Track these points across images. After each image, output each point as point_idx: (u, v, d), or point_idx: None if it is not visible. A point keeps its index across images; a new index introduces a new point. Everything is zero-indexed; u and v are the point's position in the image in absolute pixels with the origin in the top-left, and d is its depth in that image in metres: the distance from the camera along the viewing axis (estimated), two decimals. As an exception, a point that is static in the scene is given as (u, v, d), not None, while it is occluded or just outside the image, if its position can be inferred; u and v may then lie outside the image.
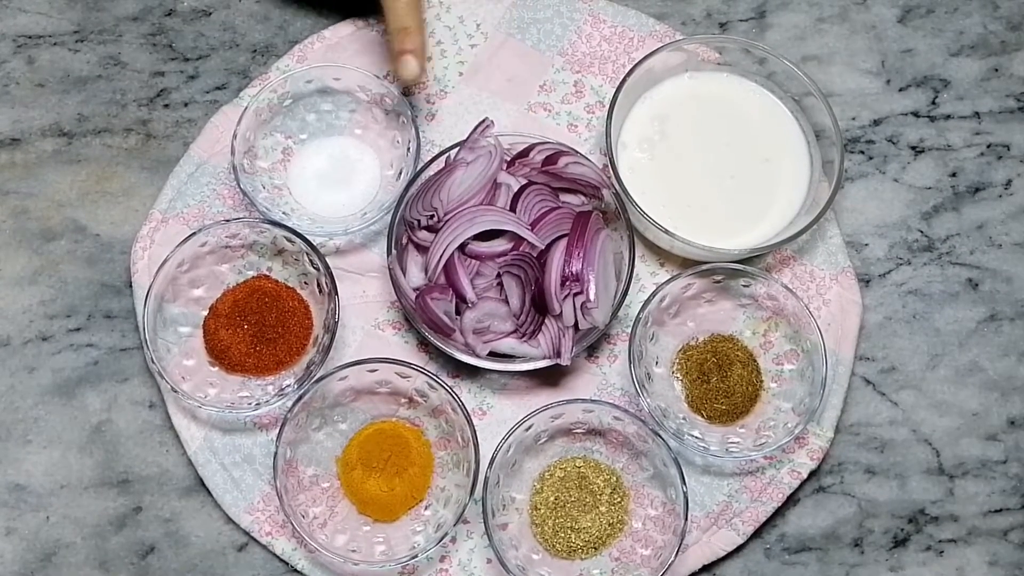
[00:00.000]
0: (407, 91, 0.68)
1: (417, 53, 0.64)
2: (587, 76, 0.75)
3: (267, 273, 0.71)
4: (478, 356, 0.66)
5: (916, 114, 0.76)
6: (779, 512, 0.69)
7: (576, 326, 0.65)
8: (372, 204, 0.71)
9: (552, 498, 0.67)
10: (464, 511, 0.64)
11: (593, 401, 0.67)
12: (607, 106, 0.70)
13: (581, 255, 0.64)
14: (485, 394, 0.70)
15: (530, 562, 0.66)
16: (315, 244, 0.68)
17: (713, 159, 0.71)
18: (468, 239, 0.65)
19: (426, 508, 0.67)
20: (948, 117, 0.76)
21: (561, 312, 0.64)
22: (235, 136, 0.69)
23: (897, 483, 0.71)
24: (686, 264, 0.71)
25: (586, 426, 0.68)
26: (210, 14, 0.76)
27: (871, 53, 0.77)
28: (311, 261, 0.68)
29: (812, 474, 0.69)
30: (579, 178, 0.67)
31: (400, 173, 0.71)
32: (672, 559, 0.63)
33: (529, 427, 0.66)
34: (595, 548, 0.67)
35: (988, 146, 0.76)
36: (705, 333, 0.71)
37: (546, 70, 0.75)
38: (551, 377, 0.70)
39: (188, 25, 0.76)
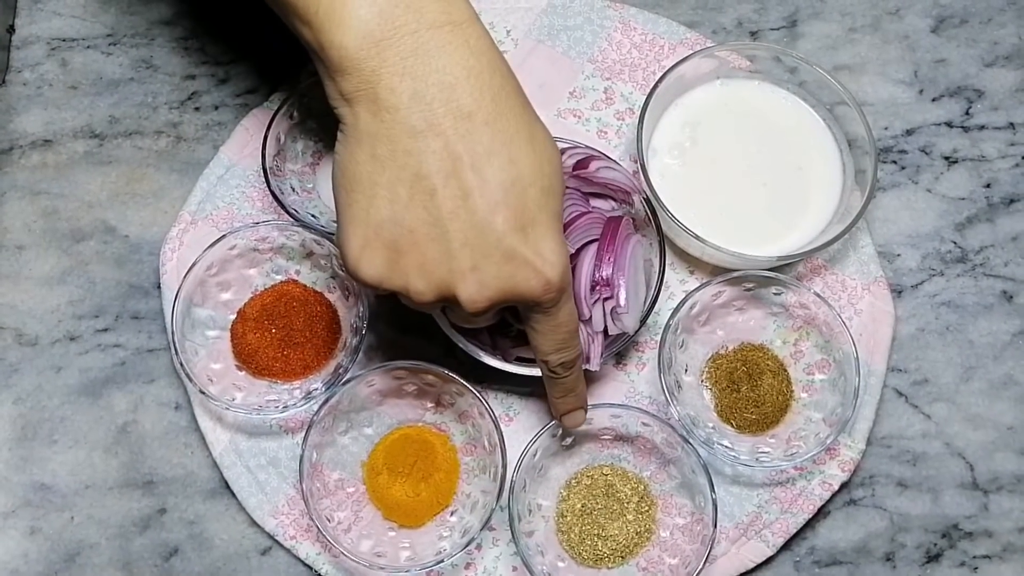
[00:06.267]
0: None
1: (582, 402, 0.63)
2: (617, 83, 0.75)
3: (295, 276, 0.71)
4: (506, 360, 0.65)
5: (950, 124, 0.76)
6: (809, 525, 0.68)
7: (605, 331, 0.65)
8: (401, 208, 0.71)
9: (579, 505, 0.67)
10: (491, 517, 0.63)
11: (621, 406, 0.66)
12: (637, 112, 0.70)
13: (612, 260, 0.64)
14: (512, 399, 0.70)
15: (556, 569, 0.65)
16: (344, 247, 0.68)
17: (745, 166, 0.71)
18: (498, 243, 0.65)
19: (452, 514, 0.67)
20: (982, 128, 0.76)
21: (591, 317, 0.64)
22: (265, 139, 0.69)
23: (930, 497, 0.70)
24: (716, 272, 0.71)
25: (614, 432, 0.68)
26: (241, 18, 0.77)
27: (904, 63, 0.77)
28: (339, 264, 0.68)
29: (843, 487, 0.68)
30: (610, 183, 0.67)
31: (429, 177, 0.71)
32: (700, 569, 0.63)
33: (556, 432, 0.65)
34: (622, 556, 0.66)
35: (1023, 157, 0.75)
36: (735, 342, 0.70)
37: (576, 76, 0.75)
38: (579, 384, 0.69)
39: (219, 30, 0.77)
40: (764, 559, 0.67)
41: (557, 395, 0.62)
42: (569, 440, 0.67)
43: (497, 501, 0.63)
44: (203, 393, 0.66)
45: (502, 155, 0.51)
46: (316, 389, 0.66)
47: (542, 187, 0.52)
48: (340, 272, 0.69)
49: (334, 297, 0.70)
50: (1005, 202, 0.74)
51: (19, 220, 0.73)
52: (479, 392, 0.65)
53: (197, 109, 0.75)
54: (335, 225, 0.70)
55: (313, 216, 0.70)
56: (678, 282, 0.72)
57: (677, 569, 0.65)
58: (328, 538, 0.64)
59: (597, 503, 0.67)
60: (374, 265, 0.52)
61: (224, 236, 0.68)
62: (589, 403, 0.65)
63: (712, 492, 0.63)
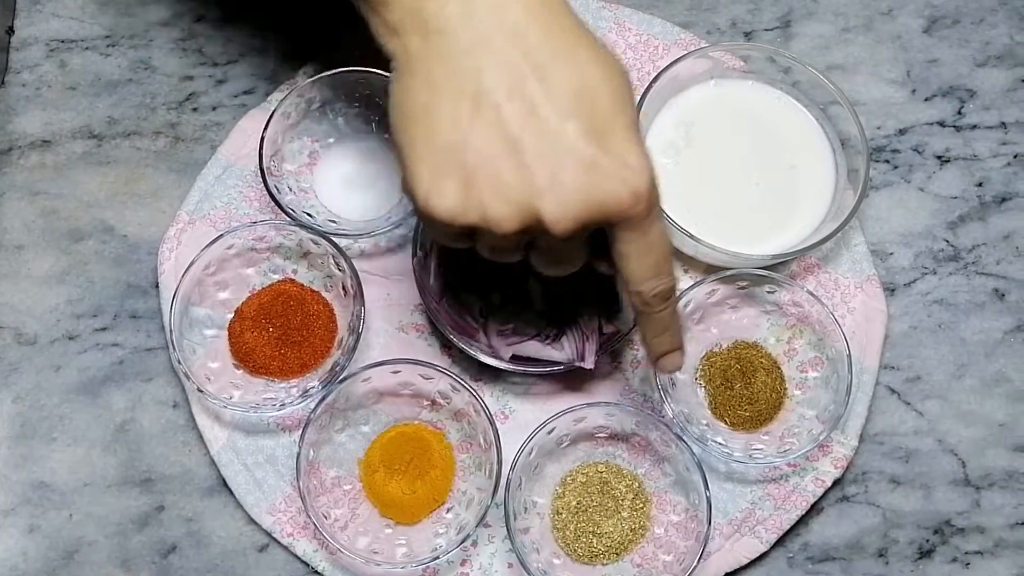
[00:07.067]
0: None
1: (679, 342, 0.58)
2: (612, 83, 0.75)
3: (292, 276, 0.71)
4: (502, 359, 0.66)
5: (942, 124, 0.76)
6: (802, 521, 0.69)
7: (600, 329, 0.65)
8: (397, 207, 0.71)
9: (574, 503, 0.67)
10: (486, 513, 0.64)
11: (616, 404, 0.67)
12: (632, 112, 0.70)
13: (607, 258, 0.64)
14: (508, 398, 0.70)
15: (551, 566, 0.66)
16: (340, 246, 0.68)
17: (738, 166, 0.71)
18: (493, 242, 0.65)
19: (448, 511, 0.67)
20: (974, 127, 0.76)
21: (585, 315, 0.64)
22: (263, 139, 0.70)
23: (922, 493, 0.70)
24: (710, 270, 0.71)
25: (608, 430, 0.68)
26: (239, 20, 0.77)
27: (896, 63, 0.77)
28: (336, 263, 0.69)
29: (836, 483, 0.69)
30: (604, 182, 0.67)
31: (425, 177, 0.71)
32: (694, 565, 0.63)
33: (551, 430, 0.66)
34: (617, 553, 0.66)
35: (1015, 156, 0.76)
36: (729, 340, 0.71)
37: (571, 77, 0.75)
38: (574, 381, 0.70)
39: (217, 31, 0.77)
40: (758, 555, 0.68)
41: (652, 334, 0.56)
42: (566, 441, 0.68)
43: (492, 498, 0.64)
44: (201, 391, 0.66)
45: (566, 63, 0.48)
46: (313, 387, 0.67)
47: (612, 92, 0.48)
48: (337, 272, 0.69)
49: (331, 296, 0.71)
50: (997, 201, 0.75)
51: (18, 220, 0.74)
52: (475, 390, 0.66)
53: (195, 110, 0.76)
54: (332, 224, 0.70)
55: (310, 216, 0.71)
56: (672, 281, 0.72)
57: (671, 566, 0.65)
58: (325, 535, 0.64)
59: (592, 500, 0.67)
60: (446, 197, 0.48)
61: (222, 236, 0.68)
62: (584, 401, 0.65)
63: (706, 489, 0.64)
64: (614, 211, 0.49)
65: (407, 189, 0.50)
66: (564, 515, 0.67)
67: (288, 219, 0.69)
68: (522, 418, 0.69)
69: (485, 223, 0.48)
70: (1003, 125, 0.76)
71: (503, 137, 0.47)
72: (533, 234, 0.49)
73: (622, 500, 0.67)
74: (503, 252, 0.51)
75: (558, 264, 0.53)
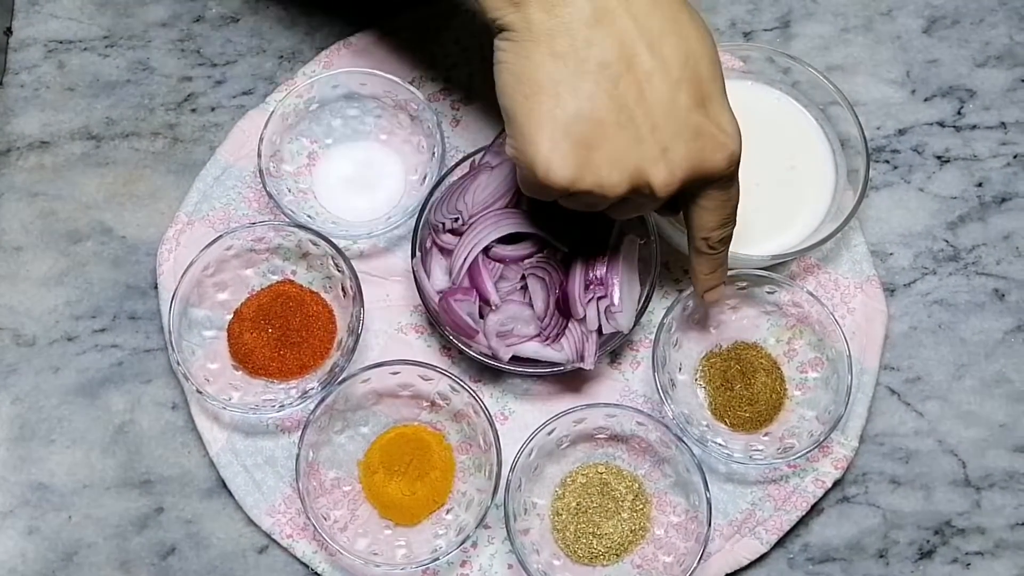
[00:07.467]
0: None
1: (725, 276, 0.63)
2: (611, 84, 0.75)
3: (291, 277, 0.71)
4: (501, 360, 0.65)
5: (942, 124, 0.76)
6: (803, 522, 0.69)
7: (600, 330, 0.65)
8: (396, 208, 0.71)
9: (574, 504, 0.67)
10: (486, 515, 0.64)
11: (616, 405, 0.67)
12: (632, 113, 0.70)
13: (605, 259, 0.64)
14: (507, 399, 0.70)
15: (551, 568, 0.66)
16: (339, 247, 0.68)
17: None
18: (492, 242, 0.65)
19: (448, 512, 0.67)
20: (974, 127, 0.76)
21: (585, 316, 0.64)
22: (261, 140, 0.70)
23: (923, 494, 0.70)
24: (710, 271, 0.71)
25: (608, 431, 0.68)
26: (238, 20, 0.77)
27: (896, 63, 0.77)
28: (335, 264, 0.69)
29: (836, 484, 0.69)
30: (604, 183, 0.67)
31: (424, 178, 0.71)
32: (695, 566, 0.63)
33: (551, 431, 0.66)
34: (617, 555, 0.66)
35: (1015, 156, 0.76)
36: (729, 340, 0.71)
37: (571, 77, 0.75)
38: (574, 382, 0.70)
39: (216, 31, 0.77)
40: (758, 556, 0.67)
41: (707, 271, 0.61)
42: (566, 442, 0.68)
43: (492, 499, 0.64)
44: (200, 393, 0.66)
45: (674, 33, 0.51)
46: (312, 388, 0.67)
47: (710, 59, 0.52)
48: (336, 273, 0.69)
49: (330, 297, 0.71)
50: (997, 201, 0.75)
51: (17, 221, 0.73)
52: (474, 391, 0.66)
53: (193, 111, 0.76)
54: (331, 225, 0.70)
55: (309, 217, 0.71)
56: (672, 282, 0.72)
57: (671, 567, 0.65)
58: (324, 536, 0.64)
59: (592, 501, 0.67)
60: (566, 166, 0.51)
61: (220, 237, 0.68)
62: (583, 402, 0.65)
63: (706, 490, 0.64)
64: (712, 172, 0.54)
65: (524, 156, 0.52)
66: (564, 516, 0.67)
67: (287, 220, 0.69)
68: (521, 419, 0.69)
69: (599, 189, 0.52)
70: (1003, 125, 0.76)
71: (620, 108, 0.50)
72: (634, 195, 0.53)
73: (622, 501, 0.67)
74: (595, 207, 0.54)
75: (636, 212, 0.57)
